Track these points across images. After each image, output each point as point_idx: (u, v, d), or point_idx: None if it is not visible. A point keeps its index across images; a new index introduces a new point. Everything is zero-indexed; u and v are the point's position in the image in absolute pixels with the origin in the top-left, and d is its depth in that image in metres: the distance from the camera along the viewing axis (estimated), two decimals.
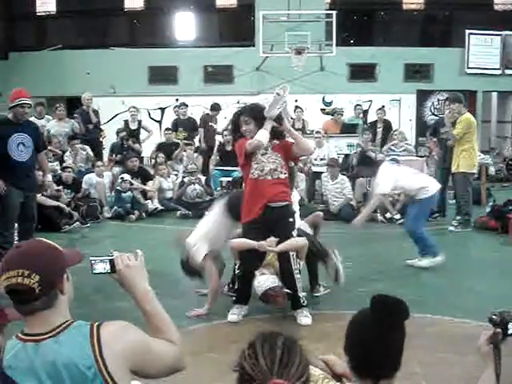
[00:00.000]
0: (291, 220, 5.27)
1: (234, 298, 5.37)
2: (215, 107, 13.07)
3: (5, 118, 6.98)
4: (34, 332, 1.95)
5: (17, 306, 1.95)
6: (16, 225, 7.01)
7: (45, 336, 1.93)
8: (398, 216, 9.59)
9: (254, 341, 1.68)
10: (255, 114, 5.22)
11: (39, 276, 1.90)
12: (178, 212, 10.50)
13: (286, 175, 5.27)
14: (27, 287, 1.90)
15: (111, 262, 2.15)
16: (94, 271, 2.16)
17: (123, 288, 2.17)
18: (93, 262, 2.16)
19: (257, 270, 5.21)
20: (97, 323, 1.98)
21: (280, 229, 5.19)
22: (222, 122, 13.99)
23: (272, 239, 5.11)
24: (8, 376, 1.94)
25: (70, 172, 10.32)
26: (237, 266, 5.35)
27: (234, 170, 11.32)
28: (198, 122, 12.77)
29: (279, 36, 14.92)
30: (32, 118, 10.91)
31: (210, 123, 12.73)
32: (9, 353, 1.96)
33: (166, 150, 12.08)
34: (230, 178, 11.29)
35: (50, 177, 7.83)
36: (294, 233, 5.29)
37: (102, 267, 2.15)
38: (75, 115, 11.75)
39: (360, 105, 13.95)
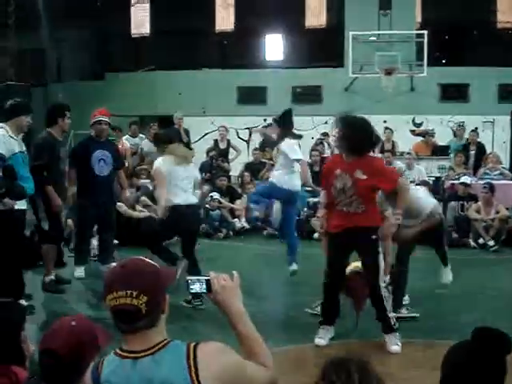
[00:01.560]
0: (374, 237, 5.10)
1: (320, 319, 5.31)
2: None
3: (89, 135, 7.55)
4: (132, 349, 1.98)
5: (120, 324, 1.99)
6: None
7: (143, 353, 1.96)
8: (491, 242, 9.23)
9: (327, 371, 1.64)
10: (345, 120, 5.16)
11: (147, 297, 1.93)
12: (265, 231, 10.53)
13: (372, 202, 5.14)
14: (135, 308, 1.92)
15: (207, 282, 2.16)
16: (191, 291, 2.18)
17: (218, 308, 2.18)
18: (189, 281, 2.19)
19: (342, 281, 5.17)
20: (193, 343, 1.99)
21: (363, 246, 5.12)
22: (310, 142, 13.99)
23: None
24: None
25: None
26: (324, 274, 5.29)
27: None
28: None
29: (369, 56, 14.79)
30: (126, 137, 11.38)
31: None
32: (107, 368, 2.01)
33: (254, 169, 12.19)
34: (317, 199, 11.22)
35: (128, 193, 8.09)
36: (380, 250, 5.17)
37: (198, 287, 2.17)
38: None
39: (462, 125, 13.52)
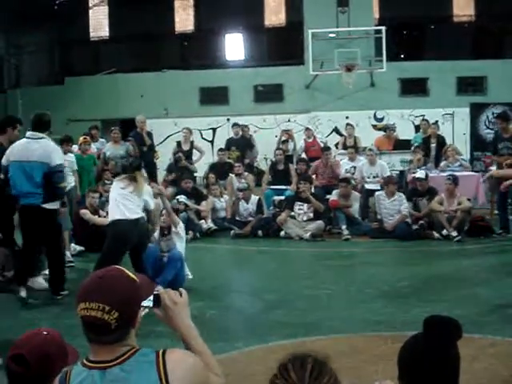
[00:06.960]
0: None
1: None
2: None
3: None
4: (99, 359, 1.97)
5: (88, 333, 1.98)
6: None
7: (111, 363, 1.95)
8: (454, 233, 9.39)
9: (285, 361, 1.72)
10: None
11: (118, 313, 1.92)
12: (232, 231, 10.54)
13: None
14: (105, 322, 1.91)
15: (156, 297, 2.17)
16: None
17: (166, 323, 2.19)
18: None
19: None
20: (161, 350, 2.00)
21: None
22: (273, 140, 14.11)
23: None
24: None
25: None
26: None
27: (286, 189, 11.32)
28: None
29: (329, 53, 14.89)
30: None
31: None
32: (75, 380, 1.98)
33: (219, 170, 12.17)
34: (282, 197, 11.30)
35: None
36: None
37: (145, 301, 2.16)
38: (130, 138, 11.95)
39: (425, 119, 13.73)
